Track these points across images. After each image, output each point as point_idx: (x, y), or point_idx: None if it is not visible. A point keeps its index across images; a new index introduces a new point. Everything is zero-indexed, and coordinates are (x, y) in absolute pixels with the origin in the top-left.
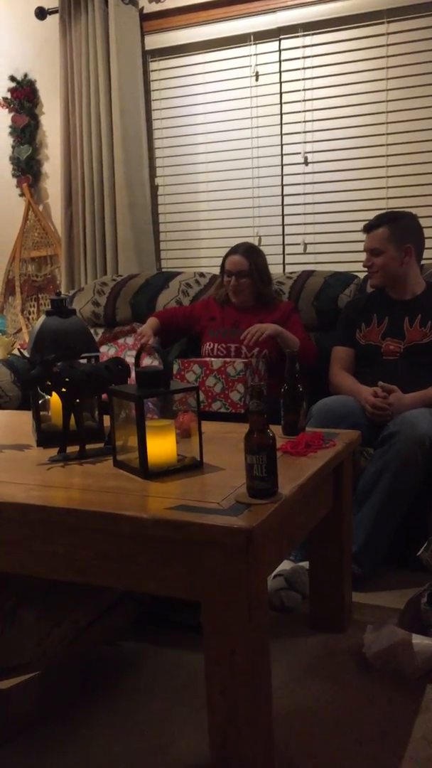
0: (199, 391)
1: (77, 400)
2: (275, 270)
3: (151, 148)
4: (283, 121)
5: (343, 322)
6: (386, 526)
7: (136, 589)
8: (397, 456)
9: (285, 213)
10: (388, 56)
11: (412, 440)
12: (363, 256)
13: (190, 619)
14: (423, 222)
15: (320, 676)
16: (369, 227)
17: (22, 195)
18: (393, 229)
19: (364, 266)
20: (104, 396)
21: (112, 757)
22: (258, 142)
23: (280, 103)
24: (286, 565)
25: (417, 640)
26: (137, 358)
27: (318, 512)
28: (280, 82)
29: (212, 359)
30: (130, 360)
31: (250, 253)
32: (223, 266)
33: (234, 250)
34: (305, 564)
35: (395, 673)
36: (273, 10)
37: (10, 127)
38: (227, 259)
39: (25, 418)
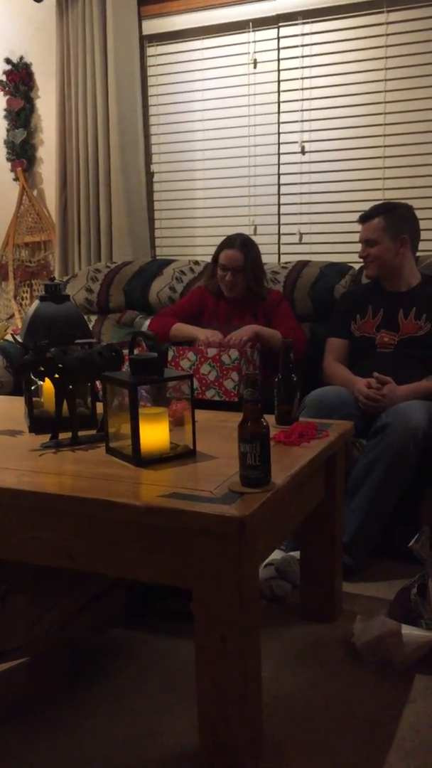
0: (193, 379)
1: (70, 387)
2: (271, 259)
3: (147, 135)
4: (281, 110)
5: (338, 313)
6: (377, 517)
7: (127, 577)
8: (389, 447)
9: (281, 202)
10: (387, 46)
11: (404, 432)
12: (359, 247)
13: (180, 606)
14: (419, 213)
15: (310, 665)
16: (364, 217)
17: (16, 179)
18: (388, 219)
19: (360, 257)
20: (98, 385)
21: (101, 742)
22: (255, 131)
23: (278, 92)
24: (277, 555)
25: (406, 630)
26: (131, 345)
27: (310, 502)
28: (278, 70)
29: (207, 348)
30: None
31: (246, 246)
32: (216, 258)
33: (230, 244)
34: (296, 554)
35: (384, 663)
36: None
37: (5, 110)
38: (222, 252)
39: (18, 403)
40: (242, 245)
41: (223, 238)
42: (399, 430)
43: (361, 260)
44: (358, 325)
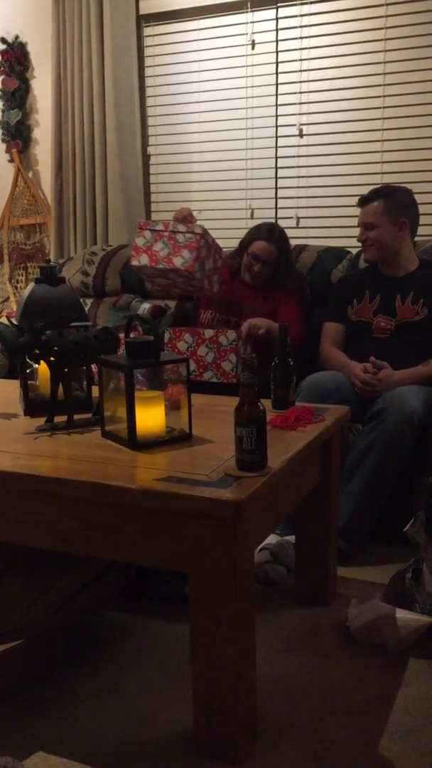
0: (190, 362)
1: (66, 370)
2: None
3: (143, 116)
4: (279, 92)
5: (335, 297)
6: (373, 501)
7: (122, 560)
8: (385, 432)
9: (278, 186)
10: (386, 27)
11: (400, 417)
12: (356, 232)
13: (175, 590)
14: (418, 198)
15: (304, 648)
16: (363, 201)
17: (11, 161)
18: (388, 203)
19: (359, 240)
20: (93, 369)
21: (96, 725)
22: (252, 113)
23: (276, 73)
24: (272, 539)
25: (400, 614)
26: (127, 328)
27: (306, 486)
28: (277, 52)
29: (204, 329)
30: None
31: (281, 241)
32: (247, 244)
33: (267, 237)
34: (291, 538)
35: (379, 647)
36: None
37: (0, 90)
38: (257, 242)
39: (13, 386)
40: (279, 239)
41: (220, 220)
42: (395, 415)
43: (359, 245)
44: (355, 310)
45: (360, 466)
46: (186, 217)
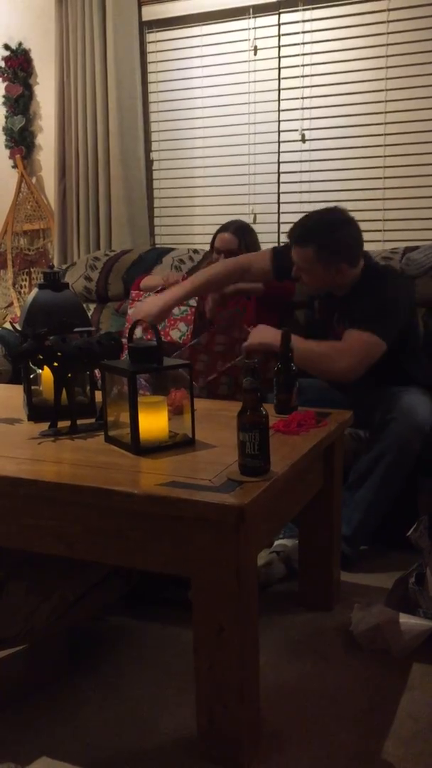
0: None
1: (69, 375)
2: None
3: (146, 122)
4: (281, 97)
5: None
6: (380, 510)
7: (125, 565)
8: (395, 443)
9: (281, 191)
10: (388, 33)
11: (410, 427)
12: None
13: (178, 595)
14: (419, 202)
15: (308, 653)
16: (294, 241)
17: (14, 167)
18: (321, 248)
19: (293, 275)
20: (96, 374)
21: (99, 730)
22: (255, 118)
23: (279, 79)
24: (287, 542)
25: (404, 619)
26: (130, 333)
27: (309, 491)
28: (279, 57)
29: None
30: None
31: (241, 231)
32: (213, 243)
33: (225, 228)
34: (294, 542)
35: (382, 652)
36: None
37: (4, 96)
38: (217, 236)
39: (16, 392)
40: (237, 230)
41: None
42: (405, 425)
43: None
44: (317, 308)
45: (368, 476)
46: (176, 282)
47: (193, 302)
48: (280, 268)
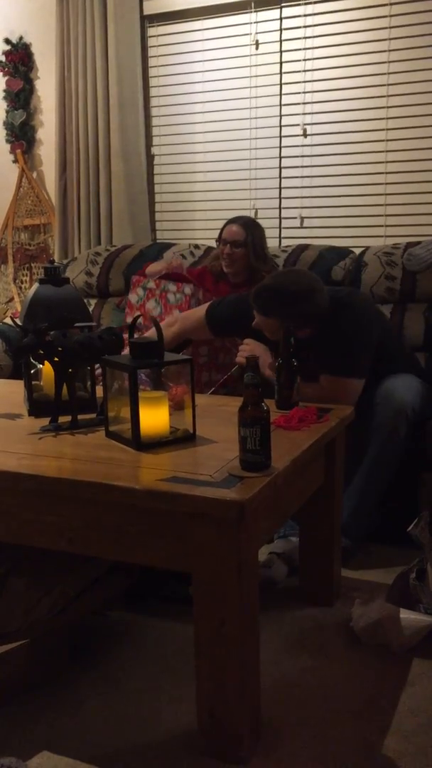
0: (193, 363)
1: (70, 370)
2: (272, 243)
3: (147, 116)
4: (283, 92)
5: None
6: (372, 496)
7: (126, 560)
8: (380, 427)
9: (282, 186)
10: (390, 27)
11: (392, 410)
12: (360, 231)
13: (179, 590)
14: (420, 197)
15: (308, 648)
16: (258, 309)
17: (15, 161)
18: (284, 318)
19: (254, 326)
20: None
21: (100, 725)
22: (257, 113)
23: (280, 73)
24: (286, 545)
25: (404, 614)
26: (131, 328)
27: (310, 487)
28: (281, 52)
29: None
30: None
31: (249, 225)
32: (220, 235)
33: (234, 220)
34: (295, 538)
35: (383, 647)
36: None
37: (5, 91)
38: (225, 227)
39: (17, 387)
40: (245, 223)
41: (224, 221)
42: (388, 409)
43: (362, 245)
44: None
45: (357, 463)
46: (178, 268)
47: (188, 290)
48: (216, 328)
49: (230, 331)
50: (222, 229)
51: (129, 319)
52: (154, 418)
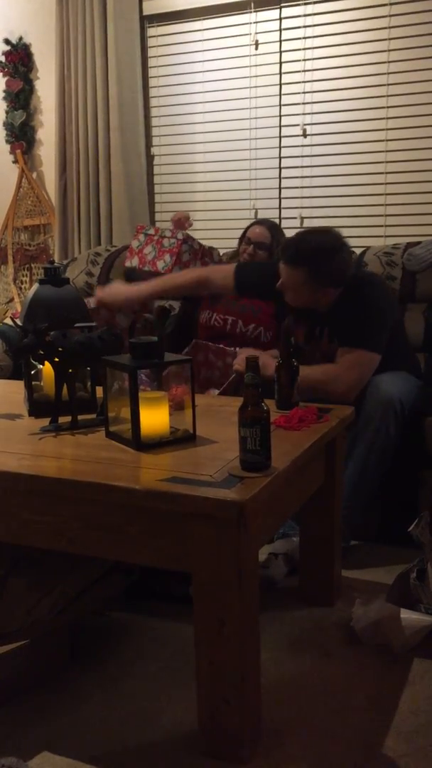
0: (192, 363)
1: (70, 370)
2: None
3: (147, 117)
4: (283, 92)
5: (267, 275)
6: (365, 492)
7: (126, 560)
8: (368, 422)
9: (282, 186)
10: (390, 27)
11: (379, 403)
12: (360, 231)
13: (179, 590)
14: (421, 197)
15: (309, 648)
16: (286, 260)
17: (15, 162)
18: (312, 272)
19: (277, 288)
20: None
21: (100, 725)
22: (256, 113)
23: (280, 74)
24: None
25: (405, 614)
26: (131, 329)
27: (310, 487)
28: (280, 52)
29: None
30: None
31: (275, 229)
32: (244, 234)
33: (259, 222)
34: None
35: (383, 647)
36: None
37: (4, 91)
38: (250, 228)
39: (17, 387)
40: (271, 227)
41: (224, 221)
42: (375, 403)
43: (362, 245)
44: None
45: (348, 459)
46: (180, 221)
47: (180, 235)
48: (241, 284)
49: (254, 291)
50: (246, 229)
51: (127, 263)
52: (154, 418)
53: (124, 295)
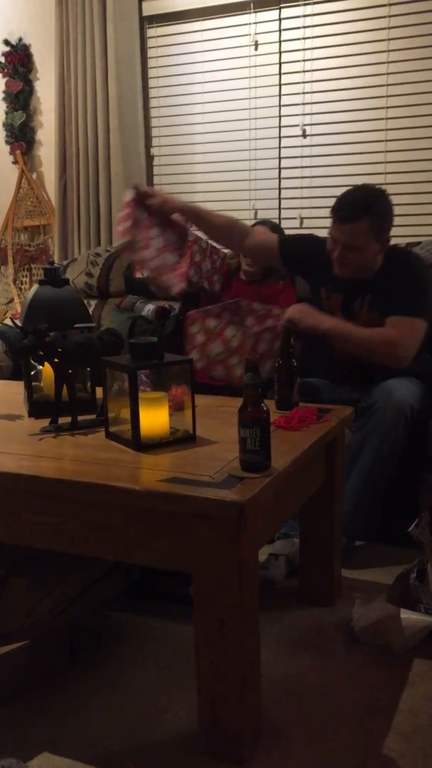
0: (193, 363)
1: (70, 371)
2: None
3: (147, 117)
4: (282, 92)
5: (311, 252)
6: (370, 496)
7: (126, 561)
8: (379, 426)
9: (282, 186)
10: (390, 27)
11: (393, 409)
12: None
13: (180, 590)
14: (421, 197)
15: (309, 648)
16: (348, 218)
17: (15, 162)
18: (374, 220)
19: (334, 258)
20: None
21: (100, 725)
22: (256, 113)
23: (279, 74)
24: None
25: (405, 614)
26: (131, 329)
27: (310, 487)
28: (280, 52)
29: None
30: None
31: (277, 229)
32: None
33: (261, 222)
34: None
35: (383, 647)
36: None
37: (4, 92)
38: (254, 227)
39: (17, 388)
40: (274, 227)
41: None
42: (387, 407)
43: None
44: (327, 296)
45: (356, 461)
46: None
47: (190, 236)
48: (286, 247)
49: (296, 258)
50: None
51: (138, 275)
52: (154, 418)
53: (163, 197)
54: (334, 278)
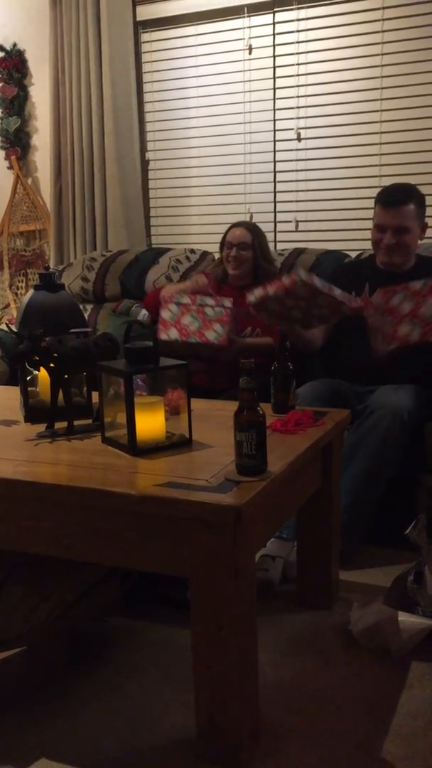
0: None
1: (65, 376)
2: None
3: (141, 122)
4: (276, 96)
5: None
6: (367, 500)
7: (123, 565)
8: (375, 429)
9: (277, 190)
10: (383, 31)
11: (390, 413)
12: (355, 234)
13: (177, 595)
14: None
15: (307, 652)
16: (397, 202)
17: (10, 168)
18: (418, 205)
19: (385, 245)
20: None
21: (98, 730)
22: (250, 117)
23: (274, 78)
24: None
25: (403, 617)
26: (127, 334)
27: (306, 490)
28: (274, 56)
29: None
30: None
31: (253, 228)
32: (223, 240)
33: (236, 225)
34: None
35: (381, 650)
36: None
37: None
38: (229, 232)
39: (13, 393)
40: (250, 227)
41: (219, 225)
42: (384, 411)
43: (359, 248)
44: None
45: (351, 464)
46: (204, 288)
47: (228, 303)
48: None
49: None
50: (225, 234)
51: (163, 336)
52: (150, 423)
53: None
54: (367, 277)
